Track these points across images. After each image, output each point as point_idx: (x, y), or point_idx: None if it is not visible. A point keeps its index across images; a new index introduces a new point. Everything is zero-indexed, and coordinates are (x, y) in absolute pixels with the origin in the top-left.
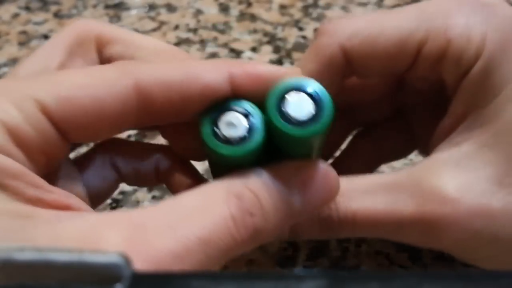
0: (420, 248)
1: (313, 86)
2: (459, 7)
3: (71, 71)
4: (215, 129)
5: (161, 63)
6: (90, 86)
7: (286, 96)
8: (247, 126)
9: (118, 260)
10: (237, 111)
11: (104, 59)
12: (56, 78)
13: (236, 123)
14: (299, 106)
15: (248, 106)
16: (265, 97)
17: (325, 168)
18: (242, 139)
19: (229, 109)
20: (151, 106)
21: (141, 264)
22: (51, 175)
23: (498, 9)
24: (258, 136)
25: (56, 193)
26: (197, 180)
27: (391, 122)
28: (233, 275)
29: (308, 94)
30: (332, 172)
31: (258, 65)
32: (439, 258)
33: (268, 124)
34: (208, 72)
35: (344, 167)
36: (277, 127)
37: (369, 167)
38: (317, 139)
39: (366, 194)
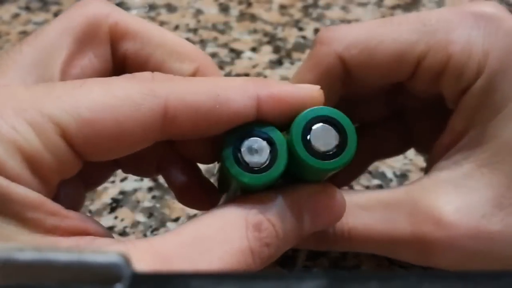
0: None
1: (339, 118)
2: (462, 20)
3: (90, 85)
4: (237, 154)
5: (188, 82)
6: (113, 108)
7: (312, 127)
8: (270, 153)
9: (118, 260)
10: (260, 137)
11: (117, 55)
12: (74, 94)
13: (259, 150)
14: (324, 138)
15: (272, 132)
16: (287, 119)
17: (334, 194)
18: (264, 166)
19: (253, 134)
20: (174, 127)
21: None
22: None
23: (502, 24)
24: (281, 166)
25: (73, 218)
26: (198, 178)
27: (388, 121)
28: (233, 275)
29: (334, 126)
30: (340, 196)
31: (282, 86)
32: None
33: (289, 149)
34: (238, 97)
35: None
36: (301, 158)
37: (364, 164)
38: (336, 170)
39: (363, 210)
